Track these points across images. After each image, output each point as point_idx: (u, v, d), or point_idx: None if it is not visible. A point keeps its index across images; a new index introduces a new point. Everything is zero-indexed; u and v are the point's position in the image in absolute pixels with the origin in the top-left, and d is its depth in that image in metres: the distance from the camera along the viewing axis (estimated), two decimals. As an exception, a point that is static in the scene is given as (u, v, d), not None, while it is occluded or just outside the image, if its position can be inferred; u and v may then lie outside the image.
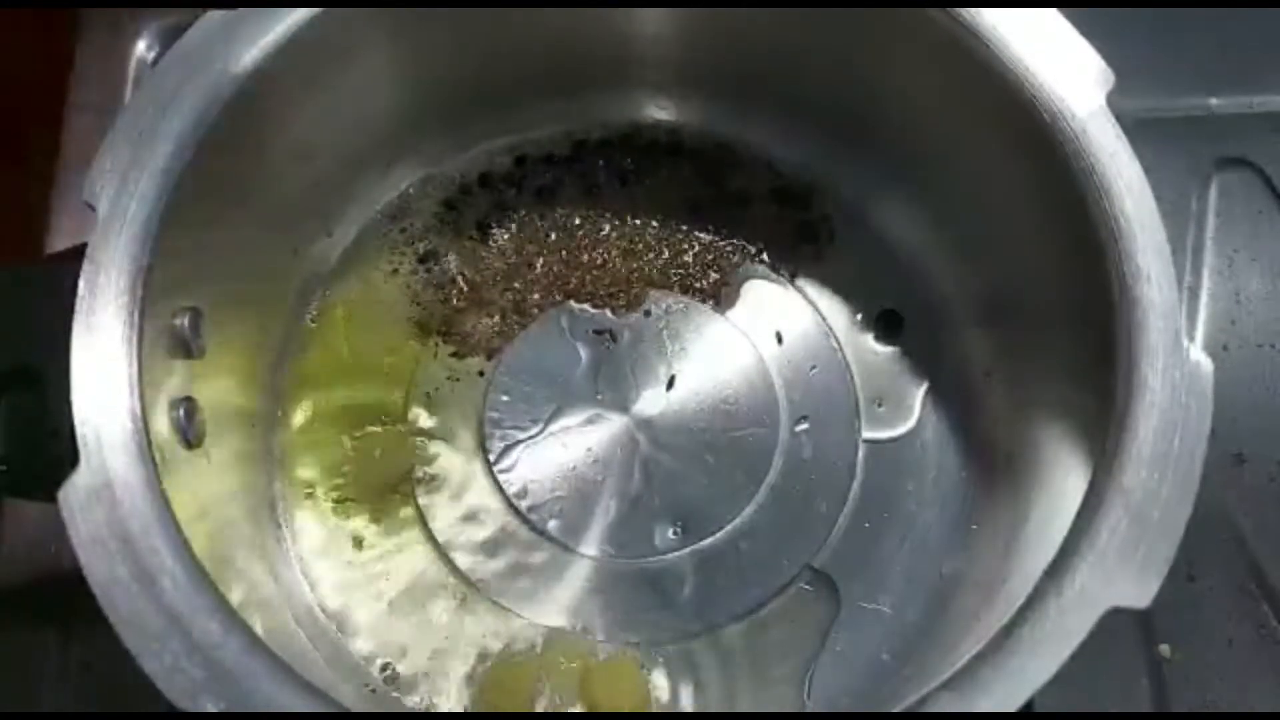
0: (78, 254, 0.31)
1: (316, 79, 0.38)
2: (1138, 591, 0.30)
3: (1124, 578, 0.30)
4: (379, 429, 0.43)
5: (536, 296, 0.45)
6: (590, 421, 0.44)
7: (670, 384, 0.44)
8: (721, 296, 0.46)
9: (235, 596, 0.31)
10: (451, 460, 0.43)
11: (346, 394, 0.44)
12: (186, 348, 0.35)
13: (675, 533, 0.42)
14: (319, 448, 0.43)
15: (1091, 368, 0.34)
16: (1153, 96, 0.50)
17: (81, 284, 0.31)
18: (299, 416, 0.43)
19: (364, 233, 0.46)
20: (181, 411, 0.35)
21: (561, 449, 0.43)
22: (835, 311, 0.45)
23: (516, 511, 0.43)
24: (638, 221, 0.47)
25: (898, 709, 0.29)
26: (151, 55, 0.51)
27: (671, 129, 0.48)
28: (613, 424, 0.44)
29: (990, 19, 0.35)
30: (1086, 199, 0.34)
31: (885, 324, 0.45)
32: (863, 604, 0.42)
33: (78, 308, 0.31)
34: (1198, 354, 0.32)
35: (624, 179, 0.47)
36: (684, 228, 0.47)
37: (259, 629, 0.30)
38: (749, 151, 0.47)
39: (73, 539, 0.29)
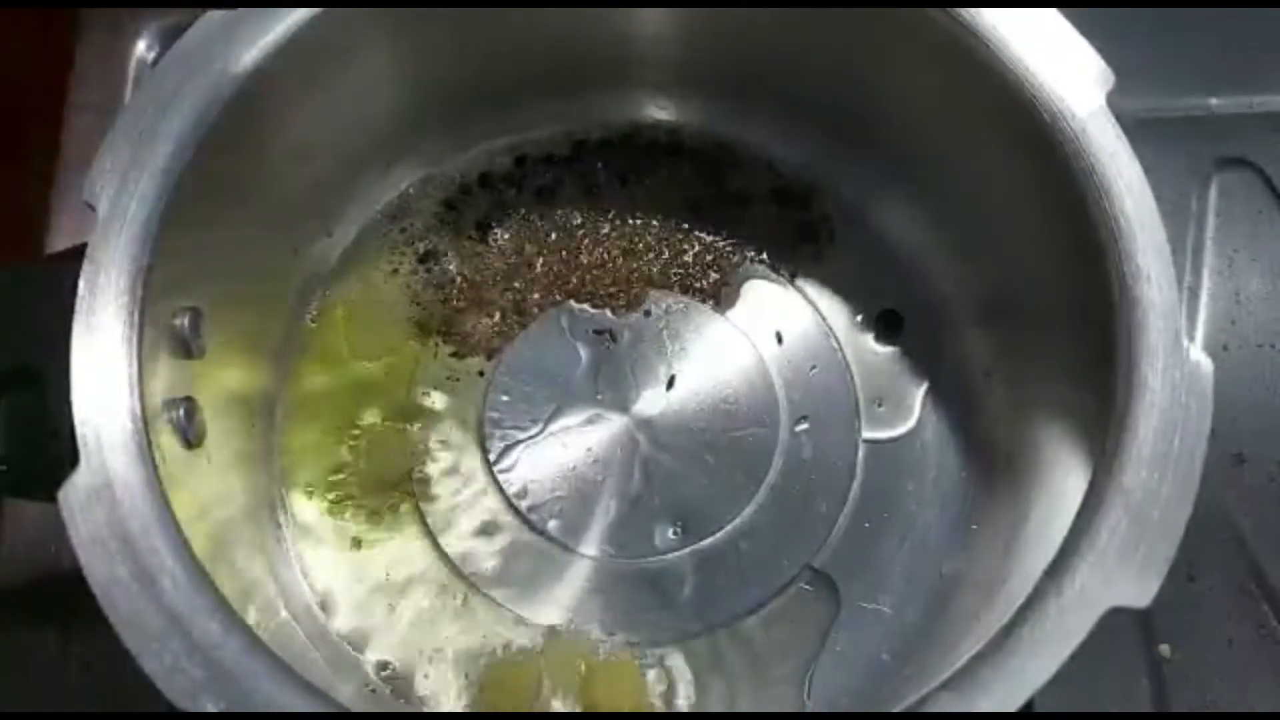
0: (78, 254, 0.31)
1: (316, 79, 0.38)
2: (1138, 591, 0.30)
3: (1124, 578, 0.30)
4: (379, 429, 0.43)
5: (536, 296, 0.45)
6: (590, 421, 0.44)
7: (670, 384, 0.44)
8: (721, 296, 0.46)
9: (235, 596, 0.31)
10: (451, 460, 0.43)
11: (346, 394, 0.44)
12: (186, 348, 0.35)
13: (675, 533, 0.42)
14: (319, 447, 0.43)
15: (1091, 368, 0.34)
16: (1153, 96, 0.50)
17: (81, 284, 0.31)
18: (299, 416, 0.43)
19: (364, 233, 0.46)
20: (181, 411, 0.34)
21: (561, 449, 0.43)
22: (835, 311, 0.45)
23: (516, 511, 0.43)
24: (638, 221, 0.47)
25: (898, 709, 0.29)
26: (151, 55, 0.51)
27: (671, 129, 0.48)
28: (613, 424, 0.44)
29: (990, 19, 0.35)
30: (1086, 199, 0.34)
31: (885, 324, 0.45)
32: (863, 604, 0.42)
33: (78, 308, 0.31)
34: (1198, 354, 0.32)
35: (624, 179, 0.47)
36: (684, 228, 0.47)
37: (259, 629, 0.30)
38: (749, 151, 0.47)
39: (73, 539, 0.29)
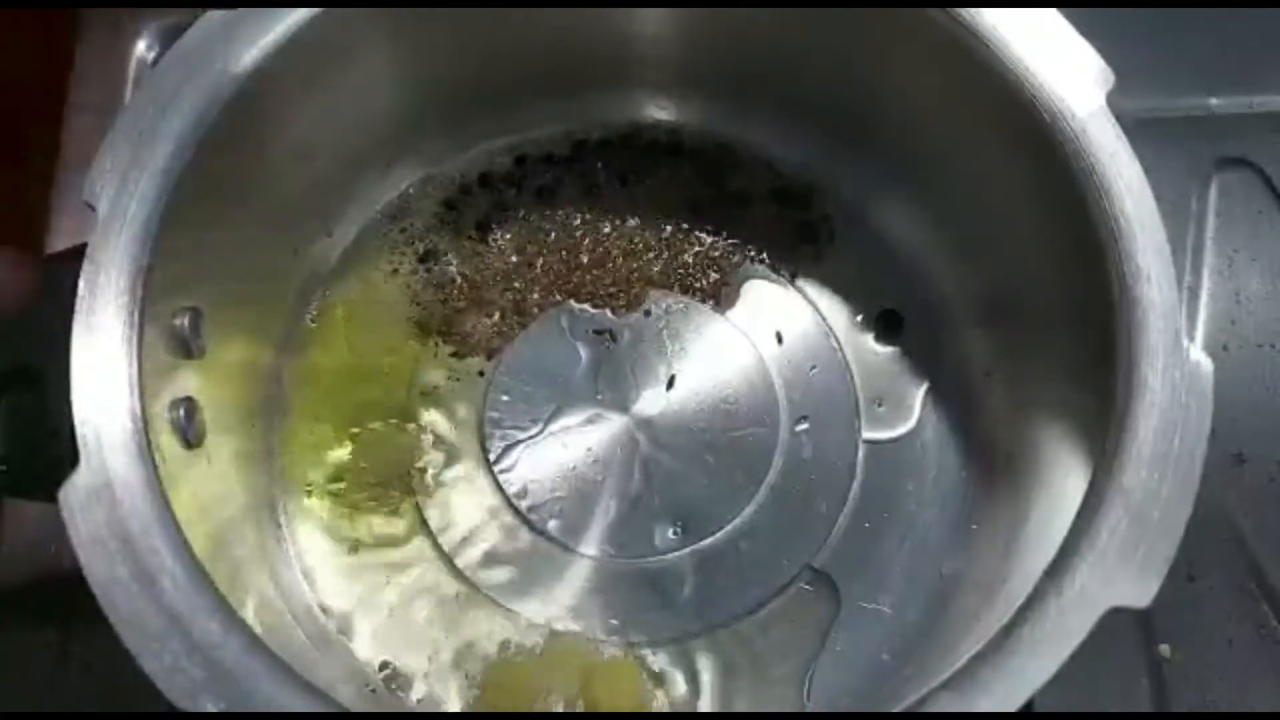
0: (78, 254, 0.31)
1: (316, 79, 0.38)
2: (1138, 591, 0.30)
3: (1124, 578, 0.30)
4: (379, 429, 0.43)
5: (536, 296, 0.45)
6: (590, 421, 0.44)
7: (670, 384, 0.44)
8: (721, 296, 0.46)
9: (235, 596, 0.31)
10: (451, 460, 0.43)
11: (346, 394, 0.44)
12: (186, 348, 0.35)
13: (675, 533, 0.42)
14: (319, 448, 0.43)
15: (1091, 368, 0.34)
16: (1153, 96, 0.50)
17: (81, 284, 0.31)
18: (299, 416, 0.43)
19: (364, 233, 0.46)
20: (181, 411, 0.35)
21: (561, 449, 0.43)
22: (835, 311, 0.45)
23: (516, 511, 0.43)
24: (638, 221, 0.47)
25: (898, 709, 0.29)
26: (151, 55, 0.51)
27: (671, 129, 0.48)
28: (613, 424, 0.44)
29: (990, 19, 0.35)
30: (1086, 199, 0.34)
31: (885, 324, 0.45)
32: (863, 604, 0.42)
33: (78, 308, 0.31)
34: (1198, 354, 0.32)
35: (624, 179, 0.47)
36: (684, 228, 0.47)
37: (259, 629, 0.30)
38: (749, 151, 0.47)
39: (73, 539, 0.29)
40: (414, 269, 0.46)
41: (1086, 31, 0.35)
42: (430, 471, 0.43)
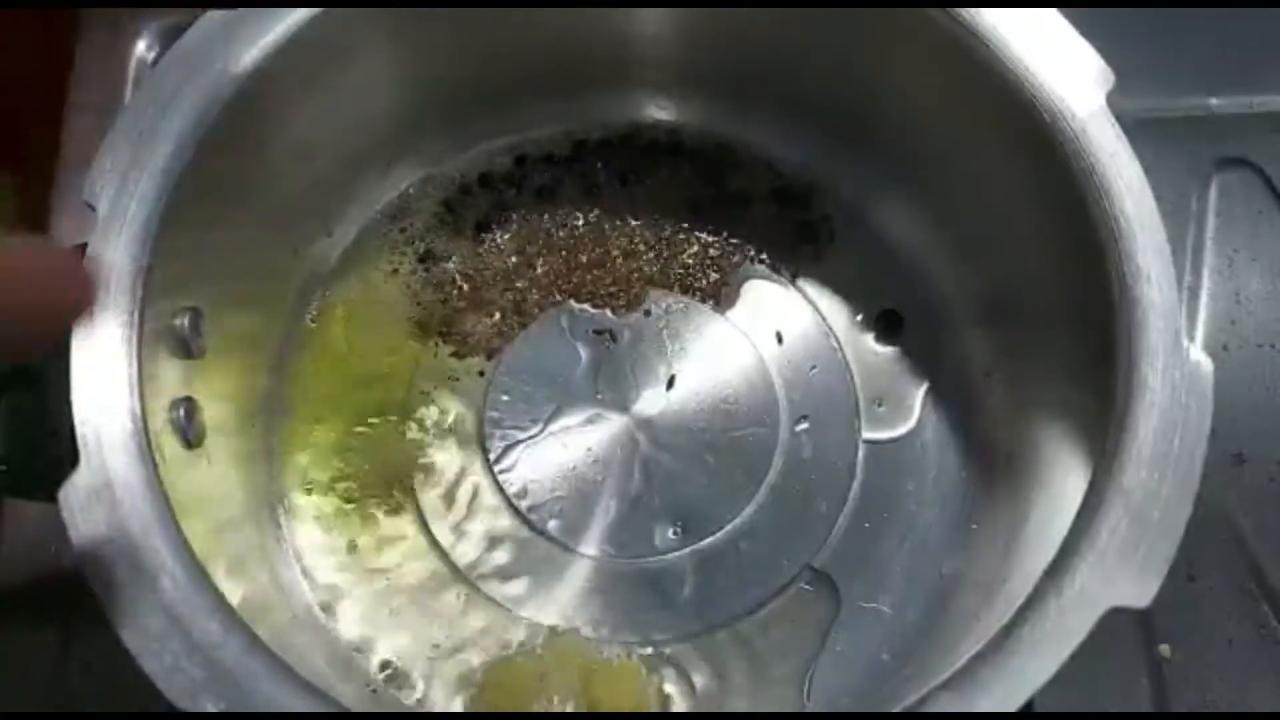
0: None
1: (316, 79, 0.38)
2: (1138, 591, 0.30)
3: (1124, 578, 0.30)
4: (379, 429, 0.43)
5: (536, 296, 0.45)
6: (590, 421, 0.44)
7: (670, 384, 0.44)
8: (721, 296, 0.46)
9: (235, 596, 0.31)
10: (451, 460, 0.43)
11: (346, 394, 0.44)
12: (186, 348, 0.35)
13: (675, 533, 0.42)
14: (319, 448, 0.43)
15: (1091, 368, 0.34)
16: (1153, 96, 0.50)
17: (82, 284, 0.31)
18: (299, 416, 0.43)
19: (364, 233, 0.46)
20: (181, 411, 0.35)
21: (561, 449, 0.43)
22: (835, 311, 0.45)
23: (516, 511, 0.43)
24: (638, 221, 0.47)
25: (898, 709, 0.29)
26: (151, 55, 0.51)
27: (671, 129, 0.48)
28: (613, 424, 0.44)
29: (990, 19, 0.35)
30: (1086, 199, 0.34)
31: (885, 324, 0.45)
32: (863, 604, 0.42)
33: (78, 308, 0.31)
34: (1198, 354, 0.32)
35: (624, 179, 0.47)
36: (684, 228, 0.47)
37: (259, 629, 0.30)
38: (749, 151, 0.47)
39: (73, 539, 0.29)
40: (414, 269, 0.46)
41: (1086, 31, 0.35)
42: (430, 471, 0.43)
